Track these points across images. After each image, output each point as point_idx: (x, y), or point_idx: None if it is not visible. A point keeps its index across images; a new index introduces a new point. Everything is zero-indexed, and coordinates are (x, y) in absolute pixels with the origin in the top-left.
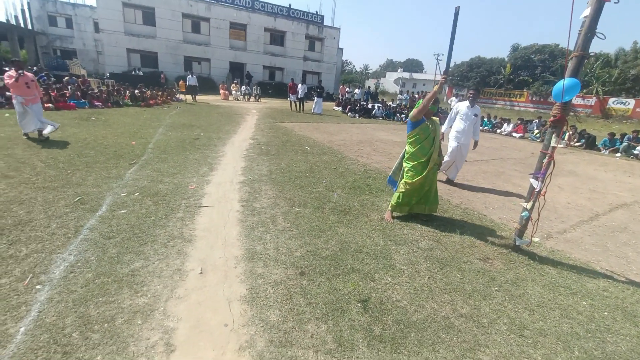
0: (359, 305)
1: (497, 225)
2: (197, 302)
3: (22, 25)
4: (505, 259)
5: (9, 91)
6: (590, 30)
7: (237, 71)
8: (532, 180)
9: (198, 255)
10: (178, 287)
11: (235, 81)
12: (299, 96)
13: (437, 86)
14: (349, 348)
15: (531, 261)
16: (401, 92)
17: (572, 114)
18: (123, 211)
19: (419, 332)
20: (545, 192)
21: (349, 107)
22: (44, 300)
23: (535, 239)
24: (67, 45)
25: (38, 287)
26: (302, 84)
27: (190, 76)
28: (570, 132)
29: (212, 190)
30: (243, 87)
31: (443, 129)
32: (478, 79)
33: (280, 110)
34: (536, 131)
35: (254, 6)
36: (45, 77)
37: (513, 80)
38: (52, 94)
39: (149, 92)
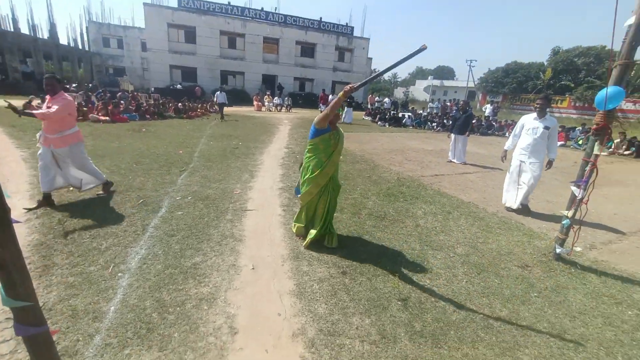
0: (399, 303)
1: (536, 234)
2: (252, 293)
3: (81, 47)
4: (545, 267)
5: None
6: (635, 38)
7: (269, 83)
8: (573, 188)
9: (249, 253)
10: (234, 280)
11: (268, 92)
12: None
13: (342, 93)
14: (392, 340)
15: (572, 270)
16: (432, 100)
17: (616, 122)
18: (180, 213)
19: (458, 330)
20: (587, 201)
21: (378, 116)
22: (126, 286)
23: (577, 249)
24: (117, 64)
25: (119, 274)
26: (332, 95)
27: (219, 92)
28: (618, 140)
29: (255, 195)
30: (275, 99)
31: (505, 146)
32: (514, 85)
33: (311, 120)
34: (580, 139)
35: (287, 21)
36: (102, 93)
37: (553, 86)
38: (109, 108)
39: (191, 105)
